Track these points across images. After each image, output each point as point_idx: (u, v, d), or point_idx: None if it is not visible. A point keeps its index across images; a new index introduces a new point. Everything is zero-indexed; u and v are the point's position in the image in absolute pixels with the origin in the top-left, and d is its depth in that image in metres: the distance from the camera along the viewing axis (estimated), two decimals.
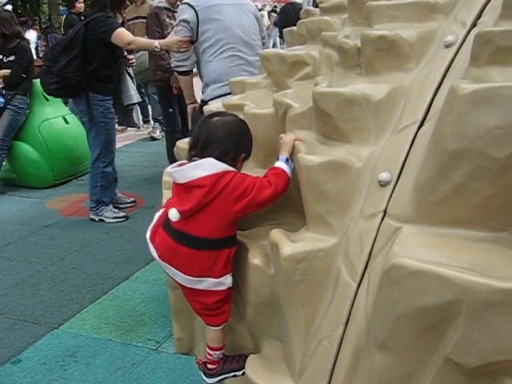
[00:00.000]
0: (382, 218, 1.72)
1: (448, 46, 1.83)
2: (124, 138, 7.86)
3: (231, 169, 1.94)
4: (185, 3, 3.93)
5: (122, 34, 4.45)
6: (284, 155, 1.98)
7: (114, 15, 4.60)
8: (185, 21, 3.87)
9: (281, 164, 1.97)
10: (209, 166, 1.89)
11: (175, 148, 2.96)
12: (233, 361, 2.21)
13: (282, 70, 2.53)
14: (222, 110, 2.42)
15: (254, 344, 2.21)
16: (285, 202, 2.24)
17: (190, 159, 2.00)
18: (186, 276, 2.01)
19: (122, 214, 4.71)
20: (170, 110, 5.28)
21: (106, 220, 4.62)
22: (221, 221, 1.95)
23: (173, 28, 4.78)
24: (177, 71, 4.09)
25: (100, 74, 4.47)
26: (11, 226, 4.67)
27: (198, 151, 1.98)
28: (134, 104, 5.06)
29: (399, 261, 1.50)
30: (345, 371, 1.70)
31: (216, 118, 2.02)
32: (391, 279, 1.52)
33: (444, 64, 1.80)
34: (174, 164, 2.05)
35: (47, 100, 5.58)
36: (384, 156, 1.78)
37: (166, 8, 5.18)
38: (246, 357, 2.14)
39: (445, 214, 1.59)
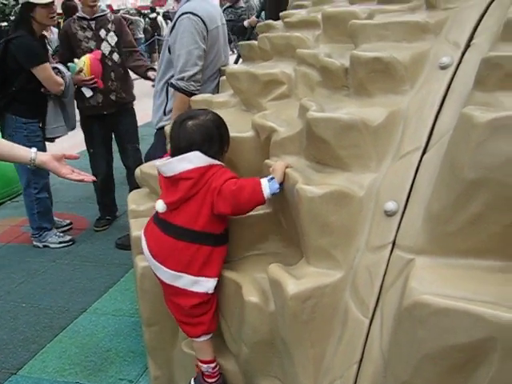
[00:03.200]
0: (392, 250, 1.65)
1: (444, 67, 1.79)
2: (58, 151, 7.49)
3: (217, 162, 1.99)
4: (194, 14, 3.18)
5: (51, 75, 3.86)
6: (271, 176, 1.91)
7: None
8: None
9: (261, 179, 1.91)
10: (195, 159, 1.95)
11: (137, 172, 2.80)
12: None
13: (253, 89, 2.43)
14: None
15: (248, 383, 2.09)
16: (271, 230, 2.14)
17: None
18: (167, 269, 2.01)
19: (67, 237, 4.38)
20: (91, 150, 4.49)
21: (51, 246, 4.28)
22: (203, 212, 1.96)
23: (88, 42, 4.19)
24: (188, 90, 3.18)
25: (21, 96, 3.99)
26: None
27: (182, 152, 1.98)
28: (58, 137, 4.34)
29: (422, 298, 1.43)
30: None
31: (191, 123, 2.02)
32: (414, 317, 1.45)
33: (442, 86, 1.76)
34: (160, 159, 2.11)
35: None
36: (387, 184, 1.71)
37: (79, 18, 4.23)
38: None
39: (461, 244, 1.53)
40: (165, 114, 3.34)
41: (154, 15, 18.61)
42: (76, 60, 4.13)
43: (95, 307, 3.34)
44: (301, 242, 1.83)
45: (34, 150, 2.08)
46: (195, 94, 3.16)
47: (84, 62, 4.07)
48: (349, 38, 2.17)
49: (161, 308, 2.40)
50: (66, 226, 4.68)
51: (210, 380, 2.13)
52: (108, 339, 2.98)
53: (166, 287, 2.09)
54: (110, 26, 4.26)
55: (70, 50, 4.25)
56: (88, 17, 4.21)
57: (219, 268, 2.04)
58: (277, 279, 1.75)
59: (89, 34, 4.20)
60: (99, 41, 4.20)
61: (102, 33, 4.21)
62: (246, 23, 6.09)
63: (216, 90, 3.36)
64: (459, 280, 1.48)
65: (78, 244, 4.37)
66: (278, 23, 3.01)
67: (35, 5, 3.83)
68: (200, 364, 2.13)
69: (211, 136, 2.01)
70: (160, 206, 2.01)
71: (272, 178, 1.89)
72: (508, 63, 1.51)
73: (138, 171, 2.80)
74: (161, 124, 3.40)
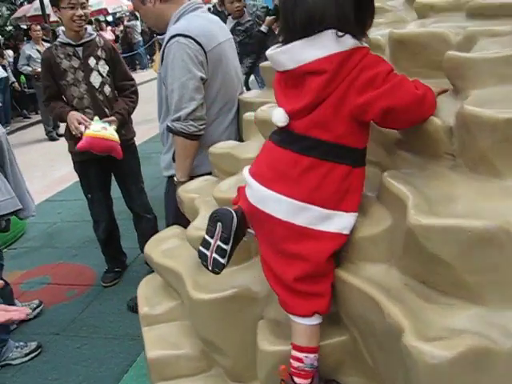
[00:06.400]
0: None
1: None
2: (58, 180, 6.88)
3: (362, 44, 1.35)
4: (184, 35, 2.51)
5: None
6: None
7: None
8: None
9: None
10: (330, 42, 1.30)
11: (147, 252, 2.16)
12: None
13: None
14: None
15: None
16: (346, 363, 1.50)
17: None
18: (285, 197, 1.37)
19: (33, 344, 3.27)
20: (89, 195, 3.83)
21: (15, 362, 3.19)
22: (341, 116, 1.34)
23: (75, 72, 3.44)
24: (187, 132, 2.53)
25: None
26: None
27: (299, 31, 1.33)
28: (6, 216, 3.25)
29: None
30: None
31: None
32: None
33: None
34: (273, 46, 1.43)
35: None
36: None
37: (63, 44, 3.46)
38: None
39: None
40: (174, 160, 2.68)
41: None
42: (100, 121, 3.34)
43: None
44: None
45: None
46: (199, 136, 2.51)
47: (111, 134, 3.30)
48: (434, 70, 1.52)
49: None
50: (36, 308, 3.72)
51: (304, 381, 1.44)
52: None
53: (272, 234, 1.43)
54: (99, 52, 3.51)
55: (55, 81, 3.48)
56: (73, 42, 3.45)
57: (358, 199, 1.41)
58: None
59: (75, 63, 3.45)
60: (88, 71, 3.46)
61: (92, 61, 3.47)
62: (263, 28, 5.29)
63: (234, 128, 2.71)
64: None
65: (83, 306, 3.73)
66: None
67: None
68: (300, 355, 1.42)
69: (347, 6, 1.32)
70: (279, 116, 1.39)
71: None
72: None
73: (147, 250, 2.16)
74: (171, 172, 2.74)
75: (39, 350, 3.28)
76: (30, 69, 8.98)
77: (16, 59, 11.56)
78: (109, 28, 16.49)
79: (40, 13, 15.03)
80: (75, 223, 5.29)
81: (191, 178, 2.65)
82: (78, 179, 3.88)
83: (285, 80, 1.43)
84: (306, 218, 1.37)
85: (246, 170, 1.52)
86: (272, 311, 1.62)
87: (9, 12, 20.33)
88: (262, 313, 1.65)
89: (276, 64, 1.42)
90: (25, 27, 17.17)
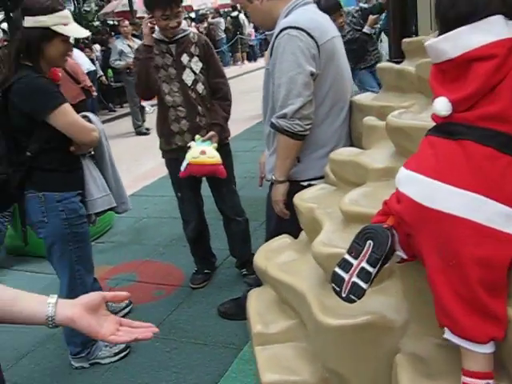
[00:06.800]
0: None
1: None
2: (143, 175, 6.92)
3: None
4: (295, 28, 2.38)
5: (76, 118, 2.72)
6: None
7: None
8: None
9: None
10: (498, 27, 1.27)
11: (259, 265, 2.01)
12: None
13: None
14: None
15: None
16: None
17: None
18: (462, 190, 1.24)
19: (121, 345, 3.12)
20: (179, 194, 3.71)
21: (104, 362, 3.13)
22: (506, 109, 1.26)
23: (167, 69, 3.36)
24: (291, 131, 2.38)
25: (44, 162, 2.76)
26: None
27: (461, 21, 1.29)
28: (101, 213, 3.11)
29: None
30: None
31: None
32: None
33: None
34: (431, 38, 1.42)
35: None
36: None
37: (157, 40, 3.35)
38: None
39: None
40: None
41: (235, 13, 17.95)
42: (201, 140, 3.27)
43: None
44: None
45: (52, 298, 1.21)
46: (304, 136, 2.38)
47: (210, 157, 3.21)
48: None
49: None
50: (126, 307, 3.64)
51: None
52: None
53: (445, 237, 1.28)
54: (193, 49, 3.39)
55: (147, 76, 3.37)
56: (167, 39, 3.35)
57: None
58: None
59: (168, 60, 3.37)
60: (180, 68, 3.36)
61: (185, 58, 3.37)
62: (366, 29, 5.13)
63: (344, 131, 2.56)
64: None
65: (172, 307, 3.65)
66: None
67: (54, 35, 2.64)
68: (471, 381, 1.27)
69: None
70: (442, 104, 1.32)
71: None
72: None
73: (258, 261, 2.02)
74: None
75: (128, 350, 3.22)
76: (122, 63, 9.07)
77: (104, 53, 11.84)
78: (193, 24, 16.62)
79: (127, 9, 15.37)
80: (162, 219, 5.25)
81: (295, 181, 2.53)
82: (163, 175, 3.80)
83: (443, 72, 1.36)
84: (485, 215, 1.24)
85: (401, 171, 1.38)
86: (410, 344, 1.45)
87: (97, 8, 20.97)
88: (397, 345, 1.47)
89: (437, 53, 1.36)
90: (111, 23, 17.63)
